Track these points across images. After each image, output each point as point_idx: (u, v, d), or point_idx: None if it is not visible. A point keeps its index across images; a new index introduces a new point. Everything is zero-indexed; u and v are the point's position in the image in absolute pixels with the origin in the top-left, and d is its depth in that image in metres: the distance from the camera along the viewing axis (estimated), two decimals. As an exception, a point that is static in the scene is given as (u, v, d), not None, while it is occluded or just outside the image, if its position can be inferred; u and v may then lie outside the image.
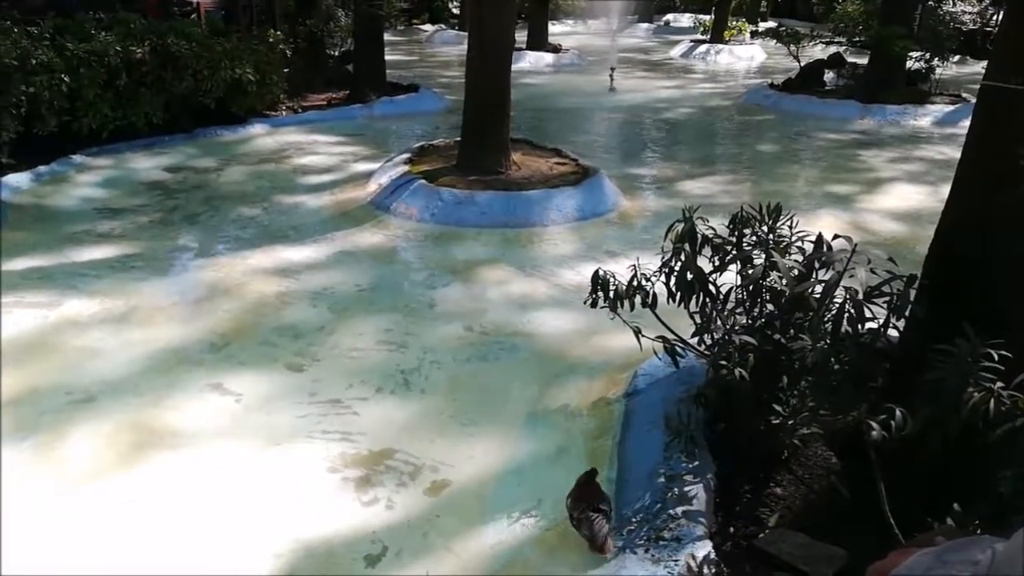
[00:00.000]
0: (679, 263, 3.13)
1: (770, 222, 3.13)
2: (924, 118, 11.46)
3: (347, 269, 5.73)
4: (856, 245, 2.67)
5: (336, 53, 14.55)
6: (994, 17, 17.96)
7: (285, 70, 10.31)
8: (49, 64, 7.65)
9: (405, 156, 7.73)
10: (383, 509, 3.27)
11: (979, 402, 2.05)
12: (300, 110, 10.71)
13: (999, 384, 2.09)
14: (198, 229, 6.56)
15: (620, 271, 3.42)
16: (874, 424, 2.35)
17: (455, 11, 27.15)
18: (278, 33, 10.38)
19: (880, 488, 2.46)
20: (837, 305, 2.64)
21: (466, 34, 21.35)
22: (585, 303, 3.41)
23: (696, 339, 3.27)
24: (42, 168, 7.73)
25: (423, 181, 6.86)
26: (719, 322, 3.10)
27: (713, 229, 3.19)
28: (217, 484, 3.41)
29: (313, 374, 4.30)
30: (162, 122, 8.89)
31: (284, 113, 10.51)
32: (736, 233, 3.08)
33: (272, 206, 7.16)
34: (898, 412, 2.30)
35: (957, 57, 15.82)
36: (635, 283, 3.16)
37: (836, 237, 2.84)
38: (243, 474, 3.48)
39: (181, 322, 4.90)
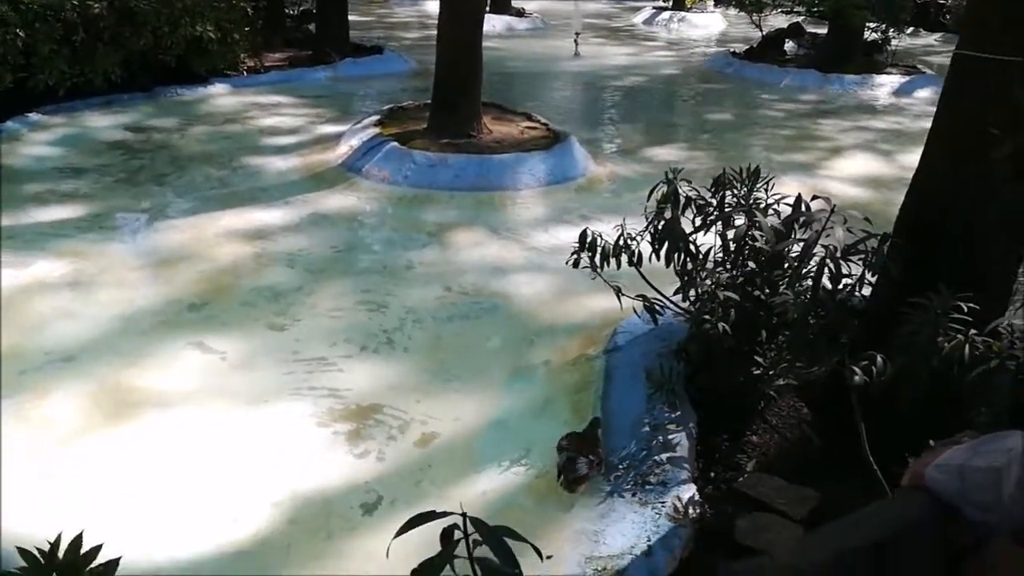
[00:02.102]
0: (662, 223, 3.25)
1: (749, 184, 3.26)
2: (880, 88, 11.74)
3: (322, 231, 5.74)
4: (835, 206, 2.81)
5: (295, 12, 14.26)
6: (947, -10, 18.40)
7: (246, 29, 10.09)
8: (3, 18, 7.39)
9: (375, 118, 7.68)
10: (375, 461, 3.37)
11: (956, 347, 2.22)
12: (263, 70, 10.51)
13: (972, 331, 2.27)
14: (166, 190, 6.46)
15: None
16: (856, 369, 2.51)
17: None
18: (238, -10, 10.12)
19: (861, 430, 2.63)
20: (816, 262, 2.79)
21: (424, -4, 20.77)
22: (567, 263, 3.52)
23: (678, 296, 3.40)
24: (-4, 126, 7.51)
25: (395, 144, 6.85)
26: (700, 279, 3.23)
27: (697, 190, 3.31)
28: (208, 439, 3.46)
29: (295, 333, 4.34)
30: (120, 80, 8.64)
31: (245, 73, 10.30)
32: (719, 195, 3.21)
33: (240, 167, 7.07)
34: (879, 358, 2.47)
35: (911, 29, 16.19)
36: (622, 242, 3.26)
37: (815, 198, 2.99)
38: (233, 429, 3.53)
39: (156, 283, 4.87)
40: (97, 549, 1.30)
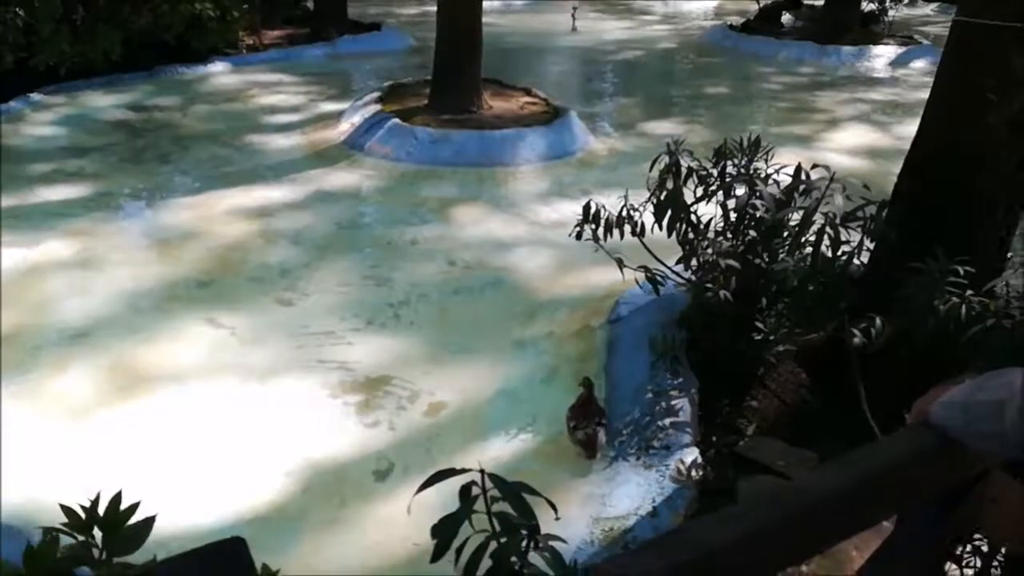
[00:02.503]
0: (664, 193, 3.31)
1: (750, 155, 3.32)
2: (878, 59, 11.71)
3: (326, 208, 5.79)
4: (834, 173, 2.87)
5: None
6: (945, -40, 18.24)
7: (244, 6, 10.06)
8: (3, -2, 7.40)
9: (375, 95, 7.70)
10: (386, 430, 3.46)
11: (953, 308, 2.30)
12: (262, 48, 10.48)
13: (969, 292, 2.35)
14: (171, 168, 6.51)
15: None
16: (856, 332, 2.59)
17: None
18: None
19: (860, 391, 2.72)
20: (816, 229, 2.86)
21: (421, -28, 20.43)
22: (570, 235, 3.58)
23: (679, 266, 3.47)
24: (-1, 106, 7.53)
25: (397, 120, 6.89)
26: (702, 248, 3.29)
27: (698, 161, 3.37)
28: (221, 412, 3.55)
29: (304, 308, 4.42)
30: (121, 59, 8.65)
31: (245, 51, 10.28)
32: (720, 165, 3.27)
33: (243, 146, 7.11)
34: (878, 320, 2.55)
35: (907, -1, 16.10)
36: (625, 213, 3.33)
37: (815, 167, 3.05)
38: (246, 402, 3.62)
39: (165, 260, 4.94)
40: (135, 507, 1.37)
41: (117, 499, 1.43)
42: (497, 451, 3.28)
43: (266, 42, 10.77)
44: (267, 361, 3.91)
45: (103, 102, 8.19)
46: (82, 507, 1.40)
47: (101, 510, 1.47)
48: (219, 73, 9.58)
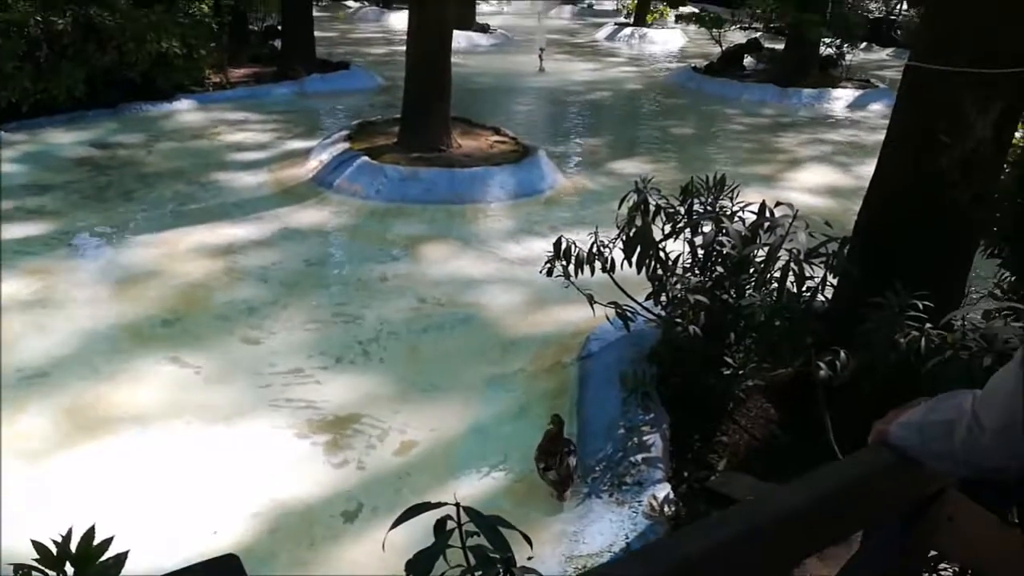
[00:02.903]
0: (633, 230, 3.35)
1: (715, 193, 3.39)
2: (836, 102, 12.09)
3: (295, 245, 5.76)
4: (797, 211, 2.94)
5: (259, 28, 14.23)
6: (898, 6, 19.01)
7: (211, 45, 10.07)
8: (-36, 34, 7.32)
9: (344, 133, 7.73)
10: (355, 470, 3.41)
11: (912, 341, 2.35)
12: (228, 86, 10.49)
13: (928, 325, 2.41)
14: (135, 206, 6.43)
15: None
16: (822, 365, 2.64)
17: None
18: (204, 7, 10.10)
19: (827, 423, 2.75)
20: (781, 265, 2.92)
21: (387, 12, 20.74)
22: (540, 272, 3.61)
23: (649, 302, 3.51)
24: (-42, 144, 7.40)
25: (366, 158, 6.91)
26: (671, 284, 3.33)
27: (666, 199, 3.43)
28: (186, 453, 3.47)
29: (271, 346, 4.37)
30: (84, 96, 8.58)
31: (211, 89, 10.27)
32: (687, 203, 3.32)
33: (209, 183, 7.06)
34: (842, 354, 2.60)
35: (864, 44, 16.69)
36: (595, 250, 3.36)
37: (779, 204, 3.12)
38: (211, 442, 3.55)
39: (128, 299, 4.86)
40: (108, 541, 1.34)
41: (90, 534, 1.39)
42: (468, 489, 3.25)
43: (233, 80, 10.78)
44: (233, 400, 3.84)
45: (66, 139, 8.10)
46: (54, 542, 1.36)
47: (73, 546, 1.43)
48: (184, 111, 9.55)
